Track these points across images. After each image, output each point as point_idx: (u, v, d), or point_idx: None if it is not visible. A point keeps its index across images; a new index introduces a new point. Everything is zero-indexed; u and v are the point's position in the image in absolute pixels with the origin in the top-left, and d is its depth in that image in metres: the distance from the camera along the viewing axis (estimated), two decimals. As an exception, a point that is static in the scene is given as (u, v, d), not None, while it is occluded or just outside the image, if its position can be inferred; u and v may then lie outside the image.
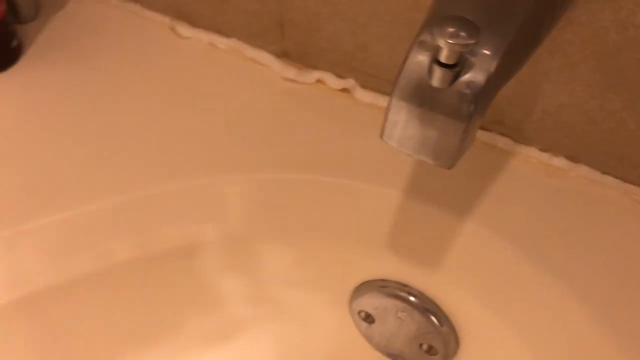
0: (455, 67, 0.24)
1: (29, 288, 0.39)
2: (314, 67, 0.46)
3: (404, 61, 0.26)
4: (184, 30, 0.49)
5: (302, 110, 0.45)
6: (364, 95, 0.45)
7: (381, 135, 0.28)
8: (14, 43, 0.46)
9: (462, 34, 0.23)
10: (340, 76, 0.46)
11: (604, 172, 0.40)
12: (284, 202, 0.42)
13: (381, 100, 0.45)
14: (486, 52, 0.25)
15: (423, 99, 0.26)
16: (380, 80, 0.44)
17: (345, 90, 0.46)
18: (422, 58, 0.25)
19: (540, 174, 0.41)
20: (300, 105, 0.45)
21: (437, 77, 0.25)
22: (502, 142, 0.42)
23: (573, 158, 0.41)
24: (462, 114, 0.25)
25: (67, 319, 0.42)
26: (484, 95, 0.25)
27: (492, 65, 0.25)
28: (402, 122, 0.26)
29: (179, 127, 0.44)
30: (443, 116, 0.25)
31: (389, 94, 0.44)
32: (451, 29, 0.23)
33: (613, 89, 0.36)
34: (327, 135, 0.44)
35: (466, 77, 0.25)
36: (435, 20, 0.25)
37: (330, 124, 0.44)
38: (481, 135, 0.43)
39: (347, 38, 0.43)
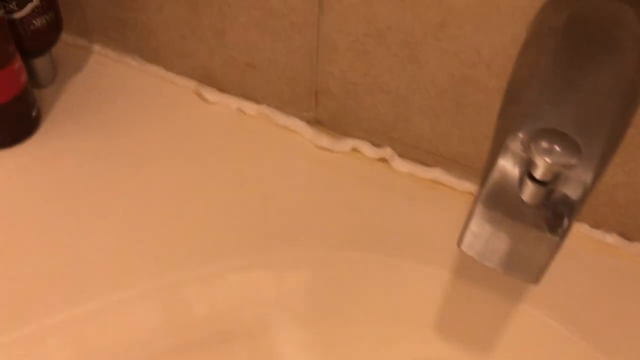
0: (550, 184, 0.23)
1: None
2: (348, 134, 0.45)
3: (491, 167, 0.24)
4: (211, 95, 0.47)
5: (338, 181, 0.43)
6: (402, 165, 0.43)
7: (459, 244, 0.26)
8: (34, 113, 0.44)
9: (562, 152, 0.22)
10: (376, 145, 0.44)
11: (659, 251, 0.39)
12: (323, 282, 0.40)
13: (420, 171, 0.43)
14: (582, 163, 0.23)
15: (512, 211, 0.24)
16: (420, 151, 0.42)
17: (382, 159, 0.44)
18: (511, 167, 0.24)
19: (591, 252, 0.40)
20: (336, 176, 0.43)
21: (529, 194, 0.23)
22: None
23: (627, 236, 0.39)
24: (556, 229, 0.23)
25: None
26: (581, 205, 0.24)
27: (589, 177, 0.23)
28: (487, 234, 0.25)
29: (208, 203, 0.41)
30: (535, 230, 0.24)
31: (429, 164, 0.43)
32: (549, 146, 0.22)
33: (677, 172, 0.34)
34: (366, 208, 0.42)
35: (561, 191, 0.23)
36: (529, 130, 0.23)
37: (369, 196, 0.42)
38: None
39: (387, 109, 0.41)
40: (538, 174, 0.22)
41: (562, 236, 0.24)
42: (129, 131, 0.46)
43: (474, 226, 0.25)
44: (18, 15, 0.41)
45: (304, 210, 0.41)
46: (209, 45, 0.45)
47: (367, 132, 0.44)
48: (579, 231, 0.40)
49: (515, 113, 0.25)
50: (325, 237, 0.40)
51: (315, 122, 0.45)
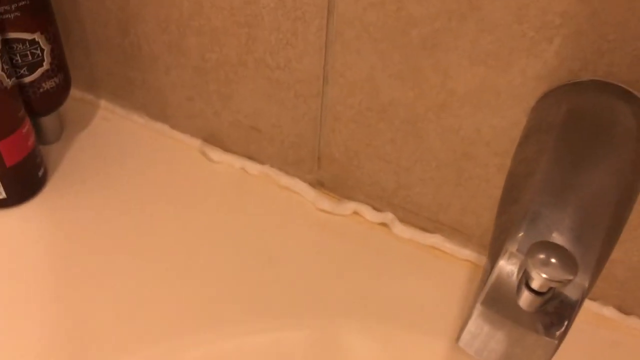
0: (547, 294, 0.23)
1: None
2: (350, 197, 0.45)
3: (491, 269, 0.25)
4: (215, 154, 0.48)
5: (339, 244, 0.44)
6: (403, 231, 0.44)
7: (457, 341, 0.26)
8: (40, 173, 0.44)
9: (558, 267, 0.22)
10: (377, 209, 0.45)
11: (656, 325, 0.39)
12: (321, 349, 0.41)
13: (421, 237, 0.43)
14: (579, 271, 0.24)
15: (510, 313, 0.24)
16: (421, 218, 0.43)
17: (383, 224, 0.45)
18: (510, 270, 0.24)
19: (588, 323, 0.40)
20: (337, 239, 0.44)
21: (526, 301, 0.24)
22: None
23: (623, 309, 0.39)
24: (553, 333, 0.24)
25: None
26: (578, 310, 0.24)
27: (586, 282, 0.24)
28: (485, 334, 0.25)
29: (210, 265, 0.42)
30: (532, 333, 0.24)
31: (430, 230, 0.43)
32: (545, 259, 0.22)
33: (673, 254, 0.35)
34: (366, 273, 0.42)
35: (559, 295, 0.24)
36: (527, 235, 0.24)
37: (369, 261, 0.43)
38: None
39: (388, 177, 0.42)
40: (534, 285, 0.23)
41: (560, 339, 0.24)
42: (133, 189, 0.46)
43: (472, 325, 0.25)
44: (28, 79, 0.42)
45: (303, 274, 0.42)
46: (214, 108, 0.46)
47: (368, 196, 0.44)
48: (577, 303, 0.41)
49: (515, 214, 0.26)
50: (323, 304, 0.41)
51: (318, 184, 0.46)
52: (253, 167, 0.47)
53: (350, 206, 0.45)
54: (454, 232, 0.42)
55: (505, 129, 0.35)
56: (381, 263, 0.43)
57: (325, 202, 0.45)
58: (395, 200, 0.43)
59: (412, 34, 0.34)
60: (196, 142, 0.49)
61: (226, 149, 0.48)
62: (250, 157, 0.47)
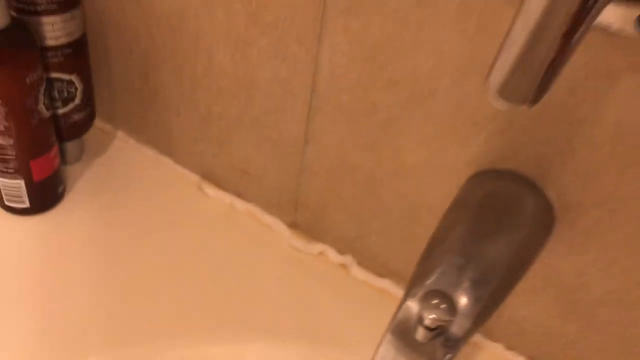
0: (436, 330, 0.31)
1: None
2: (319, 239, 0.53)
3: (400, 305, 0.33)
4: (209, 189, 0.56)
5: (303, 279, 0.51)
6: (359, 273, 0.52)
7: (373, 360, 0.34)
8: (60, 189, 0.52)
9: (443, 310, 0.30)
10: (340, 252, 0.52)
11: (559, 376, 0.46)
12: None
13: (373, 280, 0.51)
14: (463, 314, 0.32)
15: (411, 342, 0.32)
16: (375, 263, 0.51)
17: (343, 265, 0.52)
18: (414, 309, 0.32)
19: (504, 369, 0.47)
20: (303, 275, 0.52)
21: (420, 335, 0.31)
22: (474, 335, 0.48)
23: (533, 358, 0.47)
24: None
25: None
26: (460, 344, 0.32)
27: (468, 323, 0.32)
28: (391, 357, 0.33)
29: (191, 284, 0.49)
30: (425, 358, 0.32)
31: (382, 275, 0.51)
32: (435, 304, 0.30)
33: (569, 317, 0.43)
34: (321, 307, 0.49)
35: (446, 333, 0.31)
36: (430, 284, 0.31)
37: (326, 297, 0.50)
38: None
39: (350, 226, 0.50)
40: (426, 323, 0.31)
41: (446, 366, 0.32)
42: (136, 210, 0.54)
43: (382, 350, 0.33)
44: (61, 111, 0.51)
45: (270, 299, 0.49)
46: (213, 150, 0.54)
47: (334, 240, 0.52)
48: (495, 351, 0.48)
49: (427, 267, 0.34)
50: (279, 325, 0.48)
51: (293, 225, 0.54)
52: (240, 204, 0.55)
53: (318, 247, 0.53)
54: (401, 279, 0.50)
55: (444, 198, 0.43)
56: (337, 299, 0.50)
57: (298, 241, 0.53)
58: (355, 245, 0.51)
59: (375, 116, 0.42)
60: (195, 177, 0.57)
61: (219, 186, 0.56)
62: (239, 195, 0.55)
